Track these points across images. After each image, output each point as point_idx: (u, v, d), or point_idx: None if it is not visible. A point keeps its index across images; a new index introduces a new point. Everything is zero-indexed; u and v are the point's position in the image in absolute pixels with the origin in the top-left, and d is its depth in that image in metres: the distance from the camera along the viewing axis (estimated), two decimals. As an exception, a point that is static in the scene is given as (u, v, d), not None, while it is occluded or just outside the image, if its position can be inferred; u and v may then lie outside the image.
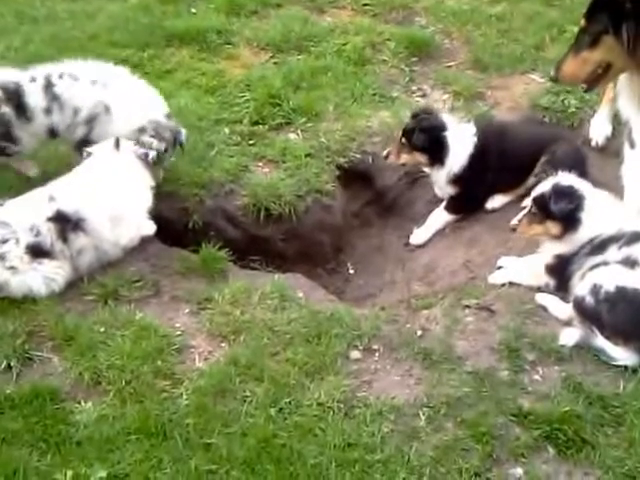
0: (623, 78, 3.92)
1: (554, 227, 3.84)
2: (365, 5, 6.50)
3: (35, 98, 4.36)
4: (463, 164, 4.59)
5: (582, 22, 3.81)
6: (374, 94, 5.54)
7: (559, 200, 3.77)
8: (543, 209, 3.84)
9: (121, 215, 4.08)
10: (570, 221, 3.78)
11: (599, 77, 3.90)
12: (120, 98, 4.40)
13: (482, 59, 5.82)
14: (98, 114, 4.38)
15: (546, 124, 5.20)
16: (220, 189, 4.77)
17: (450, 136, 4.60)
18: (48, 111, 4.37)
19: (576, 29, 3.93)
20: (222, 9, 6.33)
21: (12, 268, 3.81)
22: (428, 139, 4.57)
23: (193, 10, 6.38)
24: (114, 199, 4.08)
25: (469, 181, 4.63)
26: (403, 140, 4.65)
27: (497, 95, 5.52)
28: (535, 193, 3.93)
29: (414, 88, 5.65)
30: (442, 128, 4.61)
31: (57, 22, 6.17)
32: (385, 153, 4.76)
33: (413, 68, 5.82)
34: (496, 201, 4.68)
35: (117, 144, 4.20)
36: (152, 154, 4.27)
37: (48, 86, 4.36)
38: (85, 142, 4.35)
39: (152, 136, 4.34)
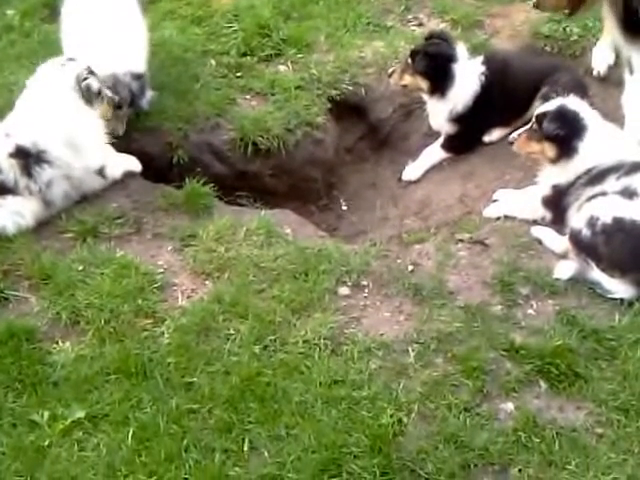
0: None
1: (550, 149, 3.72)
2: None
3: None
4: (467, 104, 4.40)
5: None
6: (368, 23, 5.32)
7: (553, 121, 3.66)
8: None
9: (80, 137, 3.94)
10: (566, 147, 3.66)
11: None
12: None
13: (481, -15, 5.56)
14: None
15: (546, 54, 4.98)
16: (206, 123, 4.61)
17: (458, 69, 4.37)
18: None
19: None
20: None
21: None
22: (431, 65, 4.34)
23: None
24: (68, 124, 3.93)
25: (471, 121, 4.44)
26: (409, 61, 4.44)
27: (496, 24, 5.28)
28: (539, 110, 3.81)
29: (410, 17, 5.42)
30: (450, 58, 4.37)
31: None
32: (389, 71, 4.58)
33: (409, -5, 5.57)
34: (494, 134, 4.51)
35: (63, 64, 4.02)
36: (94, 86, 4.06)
37: None
38: None
39: (108, 87, 4.13)
